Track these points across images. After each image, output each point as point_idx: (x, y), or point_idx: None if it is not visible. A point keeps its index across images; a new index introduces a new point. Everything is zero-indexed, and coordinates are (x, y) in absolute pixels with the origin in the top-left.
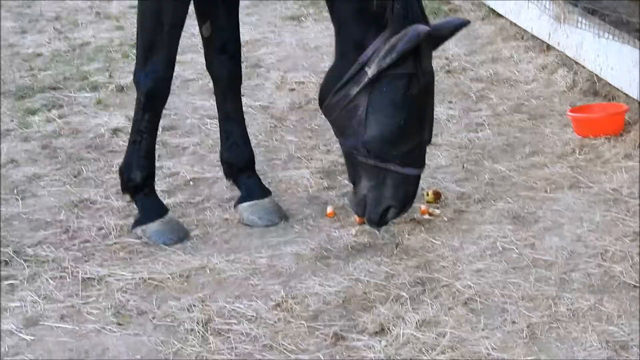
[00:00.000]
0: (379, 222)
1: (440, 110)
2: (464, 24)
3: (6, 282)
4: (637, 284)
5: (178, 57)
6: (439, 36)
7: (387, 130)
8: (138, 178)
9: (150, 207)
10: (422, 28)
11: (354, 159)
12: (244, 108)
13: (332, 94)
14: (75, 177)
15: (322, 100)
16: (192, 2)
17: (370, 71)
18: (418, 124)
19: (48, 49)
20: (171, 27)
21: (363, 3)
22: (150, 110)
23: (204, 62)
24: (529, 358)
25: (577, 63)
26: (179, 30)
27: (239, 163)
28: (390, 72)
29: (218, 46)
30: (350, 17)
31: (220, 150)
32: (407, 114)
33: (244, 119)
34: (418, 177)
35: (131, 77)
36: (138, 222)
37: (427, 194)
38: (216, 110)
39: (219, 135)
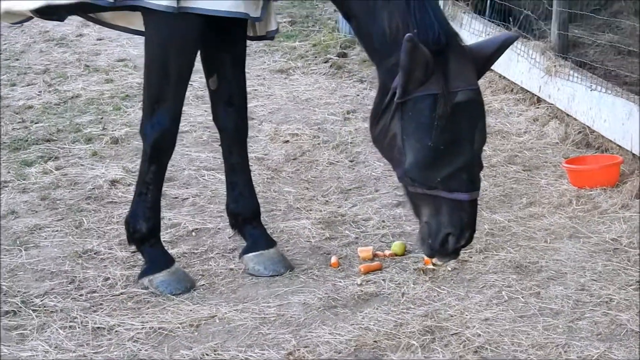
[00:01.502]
0: (440, 252)
1: None
2: (512, 39)
3: (16, 332)
4: None
5: None
6: (482, 55)
7: (420, 155)
8: (144, 229)
9: (156, 258)
10: (407, 37)
11: (407, 190)
12: None
13: (374, 126)
14: (76, 228)
15: (371, 134)
16: (198, 55)
17: (397, 96)
18: (455, 146)
19: (39, 102)
20: (178, 80)
21: (380, 32)
22: (156, 162)
23: (197, 114)
24: None
25: (568, 115)
26: (186, 83)
27: (245, 214)
28: (415, 94)
29: (224, 99)
30: (377, 48)
31: (226, 202)
32: (438, 136)
33: (249, 171)
34: (472, 202)
35: (125, 129)
36: (145, 273)
37: None
38: (213, 161)
39: (216, 187)
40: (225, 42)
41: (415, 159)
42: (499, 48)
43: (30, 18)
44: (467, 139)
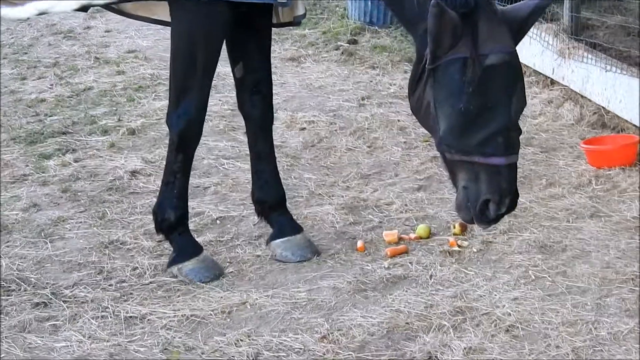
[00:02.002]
0: (481, 218)
1: None
2: (545, 2)
3: (48, 323)
4: None
5: None
6: (516, 18)
7: (453, 120)
8: (172, 218)
9: (185, 246)
10: (433, 2)
11: (445, 159)
12: None
13: (411, 96)
14: (100, 219)
15: (410, 104)
16: (224, 45)
17: (428, 62)
18: (489, 110)
19: (51, 95)
20: (204, 69)
21: (409, 1)
22: (183, 151)
23: (212, 103)
24: None
25: (582, 97)
26: (212, 73)
27: (271, 201)
28: (444, 59)
29: (250, 87)
30: (409, 18)
31: (251, 189)
32: (469, 100)
33: (275, 158)
34: (511, 166)
35: (140, 120)
36: (173, 261)
37: (454, 227)
38: (231, 150)
39: (237, 175)
40: (251, 30)
41: (449, 125)
42: (533, 11)
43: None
44: (502, 102)
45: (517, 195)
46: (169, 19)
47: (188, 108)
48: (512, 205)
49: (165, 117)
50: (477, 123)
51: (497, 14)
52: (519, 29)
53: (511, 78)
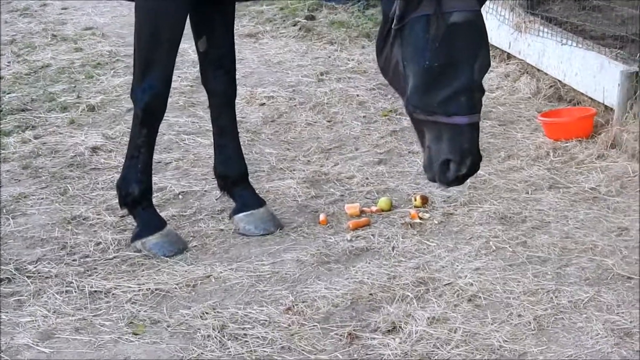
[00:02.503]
0: (441, 178)
1: None
2: None
3: (13, 299)
4: (631, 276)
5: None
6: None
7: (418, 78)
8: (136, 192)
9: (148, 221)
10: None
11: (413, 120)
12: None
13: (379, 57)
14: (62, 195)
15: (378, 65)
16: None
17: (394, 22)
18: (452, 69)
19: (9, 72)
20: (168, 44)
21: None
22: (147, 126)
23: (173, 79)
24: (540, 348)
25: (539, 70)
26: (176, 47)
27: (234, 176)
28: (409, 17)
29: (214, 61)
30: None
31: (214, 164)
32: (433, 57)
33: (237, 133)
34: (472, 126)
35: (100, 96)
36: (137, 236)
37: (415, 199)
38: (192, 126)
39: (198, 150)
40: (215, 4)
41: (414, 83)
42: None
43: None
44: (465, 61)
45: (479, 158)
46: None
47: (153, 82)
48: (474, 167)
49: (130, 91)
50: (441, 81)
51: None
52: None
53: (475, 37)
